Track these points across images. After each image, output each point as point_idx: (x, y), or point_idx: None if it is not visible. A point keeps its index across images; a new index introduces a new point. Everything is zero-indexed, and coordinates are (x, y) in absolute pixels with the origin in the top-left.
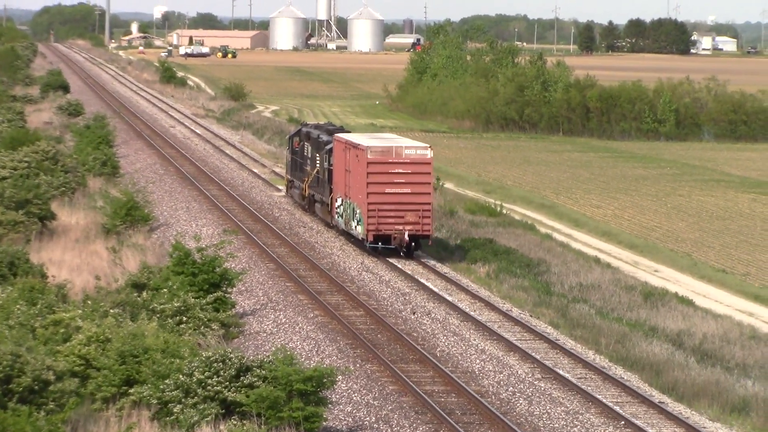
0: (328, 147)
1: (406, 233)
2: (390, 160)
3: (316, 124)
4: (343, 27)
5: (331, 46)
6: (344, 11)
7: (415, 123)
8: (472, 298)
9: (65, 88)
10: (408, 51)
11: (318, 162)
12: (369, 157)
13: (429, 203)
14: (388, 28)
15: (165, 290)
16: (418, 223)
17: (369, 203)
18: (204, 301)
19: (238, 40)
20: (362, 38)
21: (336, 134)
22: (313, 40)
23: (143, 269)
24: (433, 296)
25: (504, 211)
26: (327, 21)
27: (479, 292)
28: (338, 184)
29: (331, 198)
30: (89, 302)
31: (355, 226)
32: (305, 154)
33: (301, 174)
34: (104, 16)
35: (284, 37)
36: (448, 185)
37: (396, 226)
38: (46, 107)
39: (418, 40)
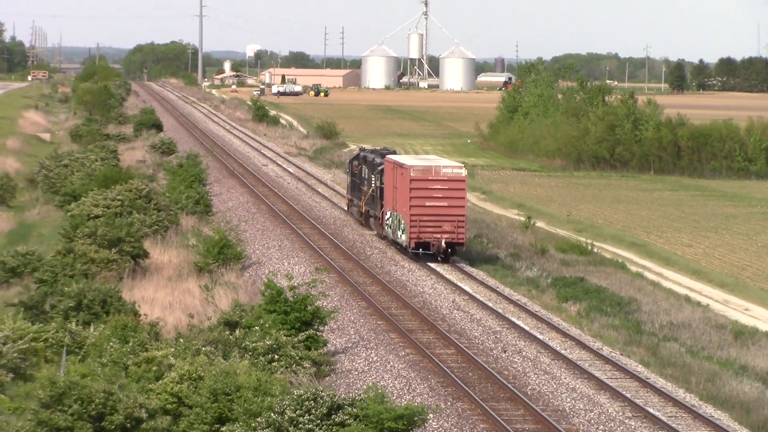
0: (380, 168)
1: (443, 241)
2: (430, 178)
3: (373, 148)
4: (434, 66)
5: (423, 84)
6: (436, 50)
7: (507, 161)
8: (563, 336)
9: (158, 127)
10: (499, 90)
11: (373, 181)
12: (412, 175)
13: (463, 215)
14: (479, 67)
15: (257, 328)
16: (453, 232)
17: (411, 215)
18: (296, 339)
19: (331, 78)
20: (454, 77)
21: (386, 156)
22: (405, 79)
23: (235, 307)
24: (524, 335)
25: (595, 250)
26: (419, 60)
27: (570, 331)
28: (387, 200)
29: (382, 212)
30: (181, 340)
31: (400, 235)
32: (362, 175)
33: (359, 193)
34: (197, 55)
35: (376, 75)
36: (540, 224)
37: (434, 235)
38: (140, 146)
39: (510, 78)
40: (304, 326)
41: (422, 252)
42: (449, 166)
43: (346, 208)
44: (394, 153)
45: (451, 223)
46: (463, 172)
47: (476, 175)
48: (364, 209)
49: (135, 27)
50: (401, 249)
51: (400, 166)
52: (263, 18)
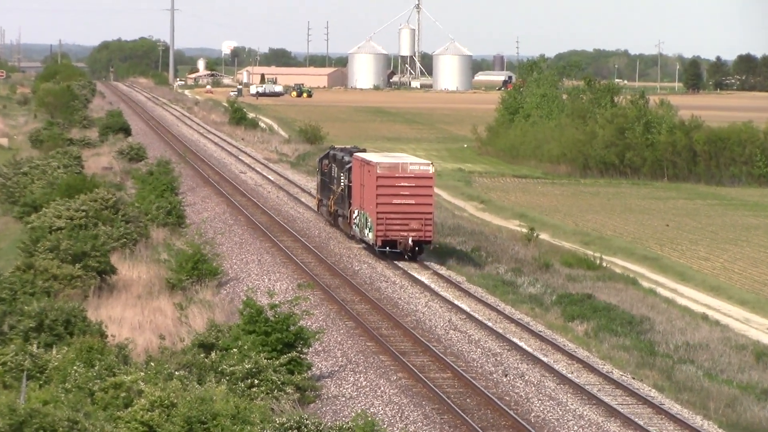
0: (348, 166)
1: (410, 239)
2: (396, 175)
3: (342, 147)
4: (428, 63)
5: (415, 84)
6: (429, 47)
7: (507, 168)
8: (569, 358)
9: (126, 131)
10: (499, 89)
11: (341, 180)
12: (378, 172)
13: (431, 213)
14: (476, 65)
15: (235, 350)
16: (420, 230)
17: (378, 212)
18: (277, 362)
19: (314, 77)
20: (449, 76)
21: (354, 154)
22: (395, 78)
23: (211, 328)
24: (526, 357)
25: (604, 264)
26: (410, 57)
27: (577, 352)
28: (355, 198)
29: (350, 211)
30: (152, 364)
31: (367, 233)
32: (332, 174)
33: (328, 193)
34: (168, 52)
35: (364, 74)
36: (543, 236)
37: (401, 233)
38: (106, 151)
39: (510, 77)
40: (287, 348)
41: (389, 250)
42: (416, 163)
43: (316, 209)
44: (364, 151)
45: (418, 221)
46: (431, 169)
47: (474, 182)
48: (333, 209)
49: (100, 22)
50: (368, 247)
51: (367, 163)
52: (240, 12)
